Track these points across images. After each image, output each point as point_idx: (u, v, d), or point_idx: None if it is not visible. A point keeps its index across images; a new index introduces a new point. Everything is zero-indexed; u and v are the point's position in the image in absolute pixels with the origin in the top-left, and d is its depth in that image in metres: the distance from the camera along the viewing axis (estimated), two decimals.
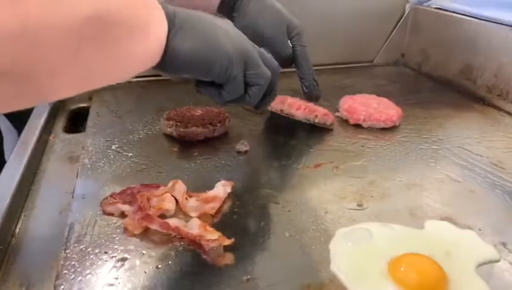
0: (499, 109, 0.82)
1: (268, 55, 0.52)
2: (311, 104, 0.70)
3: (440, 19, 0.99)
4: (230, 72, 0.45)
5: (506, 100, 0.81)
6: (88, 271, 0.40)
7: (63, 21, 0.29)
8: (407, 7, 1.07)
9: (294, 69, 0.73)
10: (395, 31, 1.08)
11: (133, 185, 0.51)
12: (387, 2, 1.06)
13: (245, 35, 0.49)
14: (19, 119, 0.81)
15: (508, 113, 0.80)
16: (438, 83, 0.97)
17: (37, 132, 0.66)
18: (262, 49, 0.51)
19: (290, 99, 0.70)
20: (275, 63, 0.52)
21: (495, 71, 0.84)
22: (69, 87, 0.34)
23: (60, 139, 0.68)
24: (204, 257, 0.42)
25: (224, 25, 0.47)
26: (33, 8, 0.28)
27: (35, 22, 0.28)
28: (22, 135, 0.67)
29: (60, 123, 0.74)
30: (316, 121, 0.69)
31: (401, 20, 1.07)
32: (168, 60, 0.41)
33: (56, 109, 0.77)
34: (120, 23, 0.34)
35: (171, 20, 0.41)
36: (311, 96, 0.73)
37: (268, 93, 0.52)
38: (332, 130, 0.70)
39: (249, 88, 0.48)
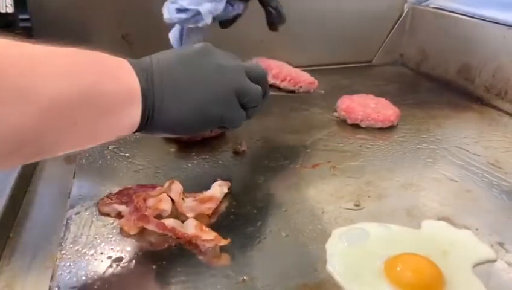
0: (497, 108, 0.82)
1: (254, 65, 0.50)
2: (295, 74, 0.67)
3: (438, 18, 0.99)
4: (226, 120, 0.45)
5: (504, 100, 0.81)
6: (83, 272, 0.39)
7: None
8: (406, 7, 1.07)
9: None
10: (393, 31, 1.08)
11: (129, 186, 0.51)
12: (385, 2, 1.06)
13: (233, 56, 0.47)
14: None
15: (506, 112, 0.80)
16: (436, 82, 0.97)
17: None
18: (247, 64, 0.49)
19: (274, 69, 0.66)
20: (261, 69, 0.51)
21: (493, 71, 0.84)
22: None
23: None
24: (200, 257, 0.42)
25: (208, 63, 0.44)
26: None
27: None
28: None
29: None
30: (301, 91, 0.67)
31: (400, 20, 1.07)
32: (152, 127, 0.41)
33: None
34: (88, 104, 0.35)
35: (147, 90, 0.39)
36: (274, 22, 0.68)
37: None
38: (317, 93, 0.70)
39: (247, 110, 0.48)
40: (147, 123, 0.40)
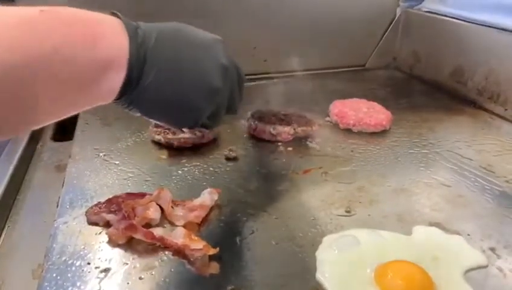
0: (490, 111, 0.82)
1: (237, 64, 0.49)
2: (290, 125, 0.68)
3: (431, 22, 0.99)
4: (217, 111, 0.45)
5: (496, 103, 0.81)
6: (69, 283, 0.39)
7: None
8: (398, 10, 1.07)
9: None
10: (386, 34, 1.08)
11: (118, 194, 0.51)
12: (378, 5, 1.06)
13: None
14: None
15: (499, 116, 0.80)
16: (429, 86, 0.97)
17: (24, 141, 0.66)
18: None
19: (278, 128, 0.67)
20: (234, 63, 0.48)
21: (486, 74, 0.84)
22: None
23: (48, 148, 0.68)
24: (189, 266, 0.42)
25: (213, 58, 0.43)
26: None
27: None
28: (9, 143, 0.66)
29: (48, 131, 0.73)
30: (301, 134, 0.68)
31: (392, 24, 1.07)
32: (135, 100, 0.39)
33: None
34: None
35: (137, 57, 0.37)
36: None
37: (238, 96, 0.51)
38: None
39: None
40: (130, 93, 0.38)
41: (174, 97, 0.40)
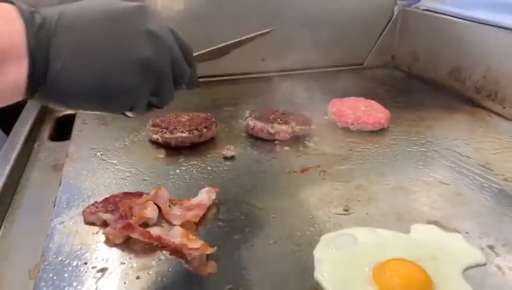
0: (488, 110, 0.82)
1: (184, 40, 0.42)
2: (288, 124, 0.68)
3: (429, 20, 0.99)
4: (158, 94, 0.39)
5: (494, 101, 0.81)
6: (66, 283, 0.39)
7: None
8: (396, 9, 1.06)
9: None
10: (384, 33, 1.08)
11: (115, 193, 0.51)
12: (376, 4, 1.06)
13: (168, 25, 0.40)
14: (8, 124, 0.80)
15: (497, 114, 0.80)
16: (427, 84, 0.97)
17: (21, 140, 0.65)
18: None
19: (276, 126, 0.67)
20: (190, 46, 0.43)
21: (484, 72, 0.84)
22: None
23: (45, 147, 0.68)
24: (186, 266, 0.41)
25: (136, 27, 0.37)
26: None
27: None
28: (7, 142, 0.66)
29: (46, 131, 0.73)
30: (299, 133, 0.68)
31: (390, 23, 1.07)
32: (48, 94, 0.34)
33: (42, 116, 0.76)
34: None
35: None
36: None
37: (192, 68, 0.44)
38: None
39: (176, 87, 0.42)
40: (40, 87, 0.34)
41: (95, 81, 0.35)
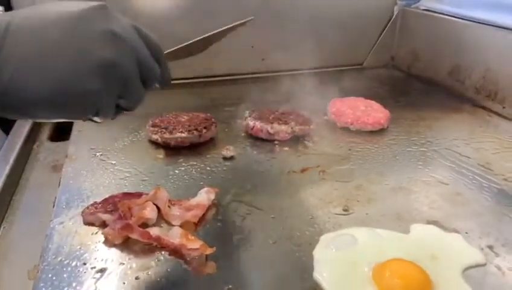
0: (488, 109, 0.82)
1: (153, 38, 0.41)
2: (287, 124, 0.67)
3: (428, 20, 0.99)
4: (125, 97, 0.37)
5: (494, 101, 0.81)
6: (65, 284, 0.39)
7: None
8: (396, 9, 1.06)
9: None
10: (384, 33, 1.08)
11: (115, 194, 0.50)
12: (375, 4, 1.06)
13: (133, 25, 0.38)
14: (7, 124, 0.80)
15: (497, 114, 0.80)
16: (427, 84, 0.97)
17: (21, 140, 0.65)
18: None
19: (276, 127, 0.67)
20: (159, 44, 0.42)
21: (483, 72, 0.84)
22: None
23: (45, 148, 0.68)
24: (185, 266, 0.41)
25: (96, 30, 0.35)
26: None
27: None
28: (6, 142, 0.66)
29: (45, 131, 0.73)
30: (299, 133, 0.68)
31: (390, 23, 1.07)
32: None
33: None
34: None
35: None
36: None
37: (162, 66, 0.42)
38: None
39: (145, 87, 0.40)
40: None
41: (51, 88, 0.33)
